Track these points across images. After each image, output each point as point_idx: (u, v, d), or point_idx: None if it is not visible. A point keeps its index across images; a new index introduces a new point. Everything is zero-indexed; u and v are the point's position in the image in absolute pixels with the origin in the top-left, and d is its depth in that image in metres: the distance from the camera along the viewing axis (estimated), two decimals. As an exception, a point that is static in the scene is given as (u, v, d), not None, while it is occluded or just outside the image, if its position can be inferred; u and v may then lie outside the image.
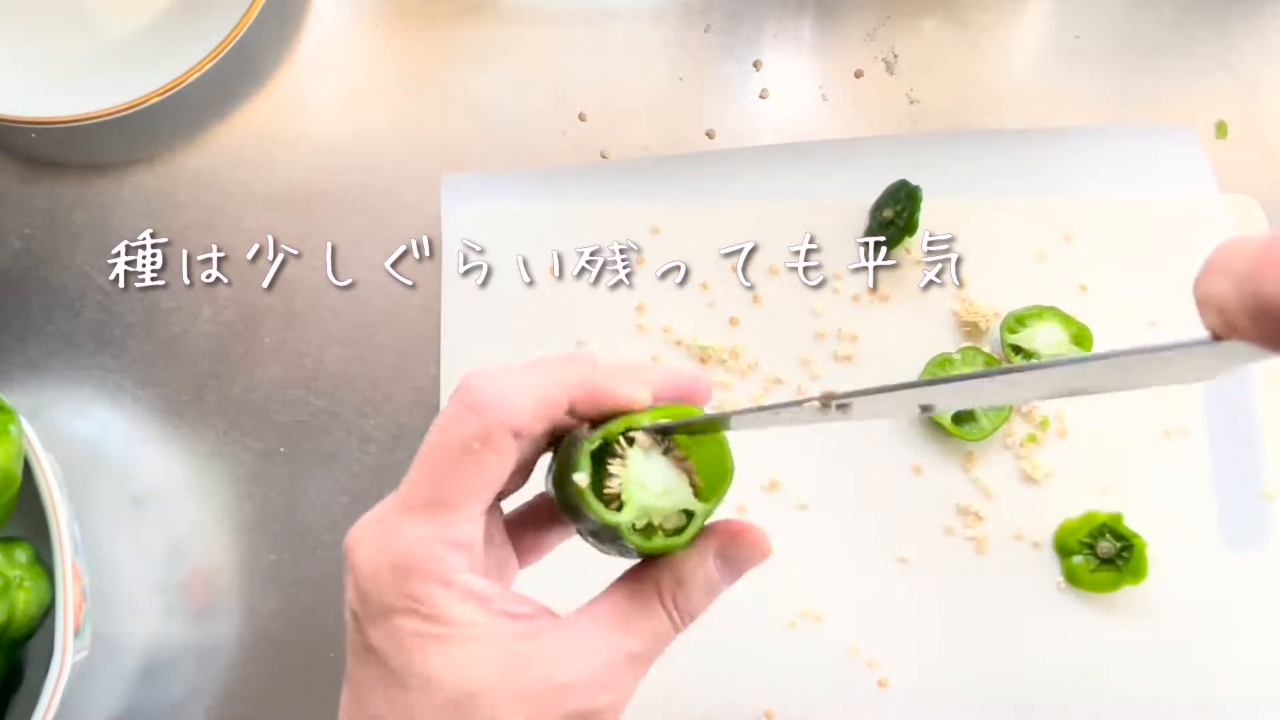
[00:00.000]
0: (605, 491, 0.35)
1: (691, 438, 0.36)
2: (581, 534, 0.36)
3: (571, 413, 0.35)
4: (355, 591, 0.34)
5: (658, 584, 0.36)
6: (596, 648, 0.35)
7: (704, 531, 0.36)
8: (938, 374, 0.59)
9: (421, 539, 0.33)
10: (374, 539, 0.34)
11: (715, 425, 0.36)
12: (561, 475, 0.35)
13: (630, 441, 0.35)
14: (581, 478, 0.34)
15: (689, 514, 0.35)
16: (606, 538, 0.35)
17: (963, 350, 0.60)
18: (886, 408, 0.33)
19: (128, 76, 0.63)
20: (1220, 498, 0.58)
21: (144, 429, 0.62)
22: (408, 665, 0.33)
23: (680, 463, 0.36)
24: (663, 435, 0.35)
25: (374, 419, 0.61)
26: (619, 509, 0.34)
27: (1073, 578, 0.56)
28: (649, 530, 0.35)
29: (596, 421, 0.35)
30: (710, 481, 0.36)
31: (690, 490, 0.36)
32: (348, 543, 0.34)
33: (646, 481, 0.35)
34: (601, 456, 0.35)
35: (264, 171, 0.65)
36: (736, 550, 0.37)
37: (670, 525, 0.35)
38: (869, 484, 0.59)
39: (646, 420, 0.35)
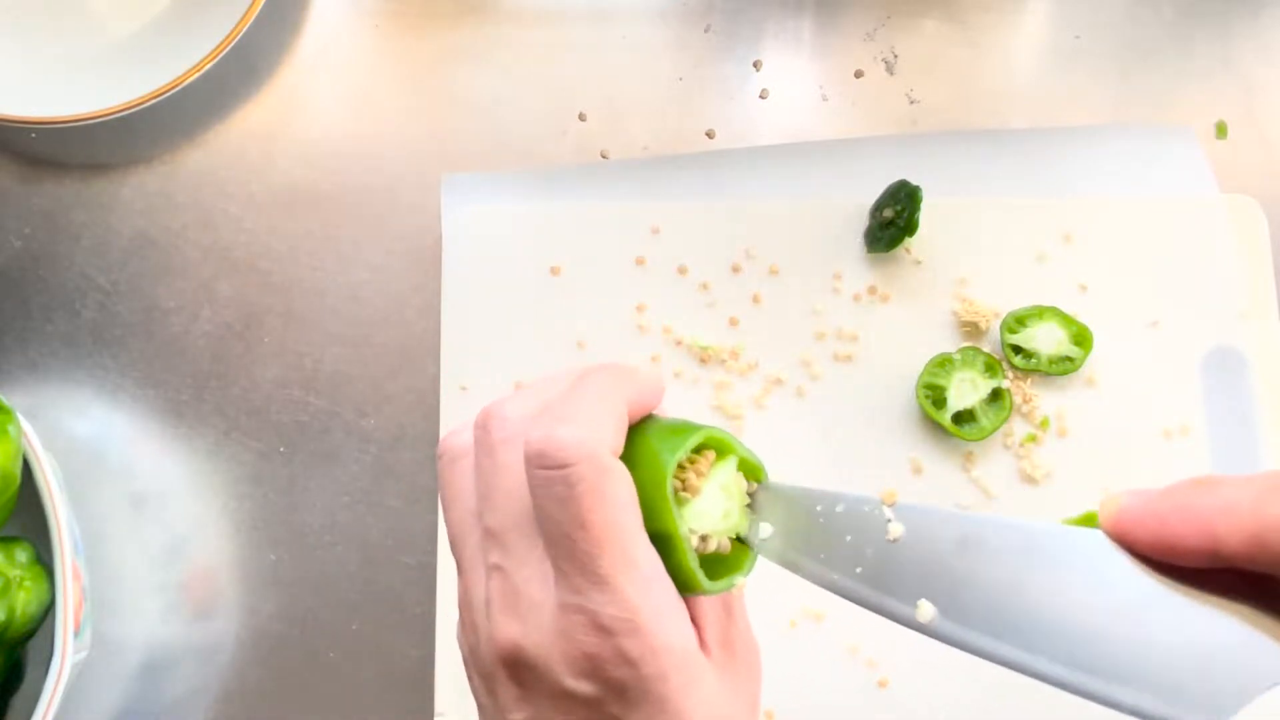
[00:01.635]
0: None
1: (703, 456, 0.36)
2: None
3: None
4: (589, 679, 0.32)
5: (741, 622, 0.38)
6: (753, 672, 0.39)
7: None
8: (938, 374, 0.59)
9: (662, 607, 0.33)
10: (597, 621, 0.33)
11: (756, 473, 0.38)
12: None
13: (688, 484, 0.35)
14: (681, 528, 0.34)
15: (739, 538, 0.36)
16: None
17: (963, 350, 0.60)
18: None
19: (128, 76, 0.63)
20: (1220, 498, 0.58)
21: (144, 429, 0.62)
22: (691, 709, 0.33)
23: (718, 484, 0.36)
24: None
25: (374, 419, 0.61)
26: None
27: None
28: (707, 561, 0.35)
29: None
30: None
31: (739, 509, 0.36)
32: (567, 638, 0.33)
33: (714, 509, 0.35)
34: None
35: (264, 171, 0.65)
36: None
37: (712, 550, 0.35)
38: (869, 483, 0.59)
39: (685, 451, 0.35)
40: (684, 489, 0.34)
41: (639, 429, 0.35)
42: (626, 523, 0.32)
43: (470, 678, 0.36)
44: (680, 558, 0.33)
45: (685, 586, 0.34)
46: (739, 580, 0.36)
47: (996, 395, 0.59)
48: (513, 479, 0.34)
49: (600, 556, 0.32)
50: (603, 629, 0.32)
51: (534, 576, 0.33)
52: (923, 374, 0.59)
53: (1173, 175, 0.63)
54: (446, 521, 0.37)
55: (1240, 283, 0.61)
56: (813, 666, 0.57)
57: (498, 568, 0.34)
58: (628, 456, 0.34)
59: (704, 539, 0.34)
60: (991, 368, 0.59)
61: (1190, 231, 0.62)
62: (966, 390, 0.59)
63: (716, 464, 0.35)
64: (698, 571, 0.34)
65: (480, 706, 0.35)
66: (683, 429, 0.35)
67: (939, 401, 0.59)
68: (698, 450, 0.35)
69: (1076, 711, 0.56)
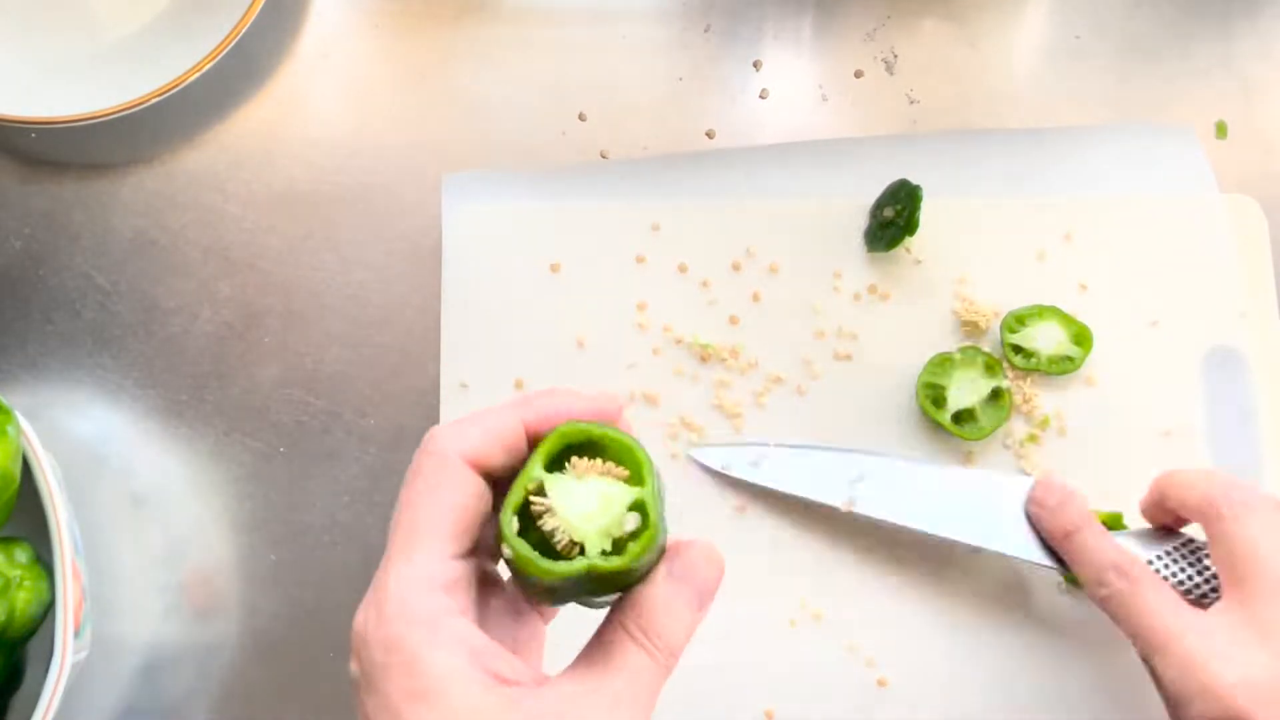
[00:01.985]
0: (559, 546, 0.34)
1: (595, 446, 0.35)
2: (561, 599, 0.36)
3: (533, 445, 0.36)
4: (355, 660, 0.34)
5: (621, 620, 0.35)
6: (577, 708, 0.33)
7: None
8: (938, 373, 0.59)
9: (400, 580, 0.33)
10: (365, 603, 0.34)
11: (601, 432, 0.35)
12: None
13: (541, 492, 0.34)
14: (508, 549, 0.33)
15: (642, 510, 0.34)
16: (576, 590, 0.35)
17: (963, 349, 0.60)
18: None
19: (128, 76, 0.63)
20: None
21: (144, 429, 0.62)
22: None
23: (597, 469, 0.35)
24: (564, 460, 0.35)
25: (374, 419, 0.61)
26: (581, 551, 0.34)
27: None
28: (619, 549, 0.34)
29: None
30: (635, 469, 0.35)
31: (624, 484, 0.35)
32: (355, 620, 0.34)
33: (582, 508, 0.34)
34: (529, 519, 0.34)
35: (264, 171, 0.65)
36: (685, 565, 0.36)
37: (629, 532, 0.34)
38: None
39: (540, 458, 0.35)
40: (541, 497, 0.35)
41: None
42: (431, 519, 0.34)
43: None
44: (517, 560, 0.34)
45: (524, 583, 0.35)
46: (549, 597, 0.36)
47: (996, 395, 0.59)
48: None
49: (393, 540, 0.34)
50: (366, 607, 0.34)
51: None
52: (923, 373, 0.59)
53: (1173, 175, 0.63)
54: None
55: (1240, 283, 0.61)
56: (811, 666, 0.57)
57: None
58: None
59: (557, 540, 0.34)
60: (991, 367, 0.59)
61: (1190, 231, 0.62)
62: (966, 390, 0.59)
63: (591, 470, 0.35)
64: (529, 558, 0.33)
65: None
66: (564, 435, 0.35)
67: (939, 401, 0.59)
68: (590, 455, 0.35)
69: (1077, 712, 0.56)
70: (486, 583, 0.39)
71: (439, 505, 0.34)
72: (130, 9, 0.66)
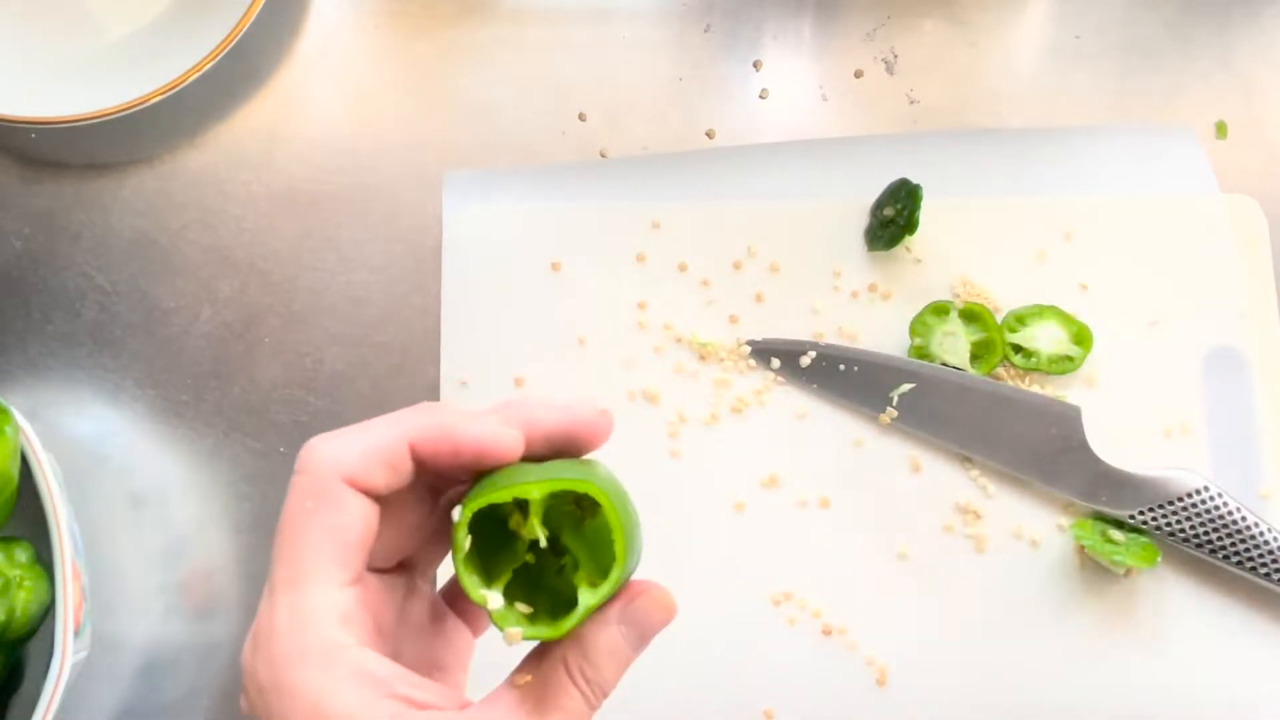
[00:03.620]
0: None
1: (582, 509, 0.33)
2: None
3: (424, 464, 0.33)
4: (245, 700, 0.31)
5: (564, 659, 0.33)
6: None
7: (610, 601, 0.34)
8: (920, 332, 0.60)
9: (289, 616, 0.31)
10: (251, 641, 0.31)
11: (580, 488, 0.32)
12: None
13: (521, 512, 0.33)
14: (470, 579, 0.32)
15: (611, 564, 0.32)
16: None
17: (933, 306, 0.60)
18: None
19: (128, 76, 0.63)
20: (1221, 497, 0.58)
21: (144, 429, 0.62)
22: None
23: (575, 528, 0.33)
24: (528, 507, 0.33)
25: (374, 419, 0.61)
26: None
27: (1091, 541, 0.56)
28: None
29: (478, 476, 0.33)
30: (602, 560, 0.33)
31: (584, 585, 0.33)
32: (243, 657, 0.32)
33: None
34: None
35: (264, 171, 0.65)
36: (639, 612, 0.34)
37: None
38: (868, 481, 0.59)
39: (507, 488, 0.32)
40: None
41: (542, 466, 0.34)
42: (314, 546, 0.32)
43: None
44: (493, 617, 0.32)
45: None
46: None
47: (987, 345, 0.59)
48: None
49: (276, 569, 0.32)
50: (254, 647, 0.32)
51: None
52: (910, 350, 0.60)
53: (1173, 175, 0.63)
54: None
55: (1240, 283, 0.61)
56: (812, 665, 0.57)
57: None
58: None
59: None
60: (973, 316, 0.59)
61: (1190, 231, 0.62)
62: (950, 346, 0.59)
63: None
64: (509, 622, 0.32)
65: None
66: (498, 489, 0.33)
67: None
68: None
69: (1077, 711, 0.56)
70: (406, 593, 0.36)
71: (320, 530, 0.32)
72: (130, 9, 0.66)
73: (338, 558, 0.32)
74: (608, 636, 0.33)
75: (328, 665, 0.30)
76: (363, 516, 0.33)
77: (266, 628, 0.31)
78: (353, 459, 0.32)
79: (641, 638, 0.34)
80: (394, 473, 0.33)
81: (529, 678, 0.33)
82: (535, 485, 0.32)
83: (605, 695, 0.33)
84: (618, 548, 0.32)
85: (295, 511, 0.32)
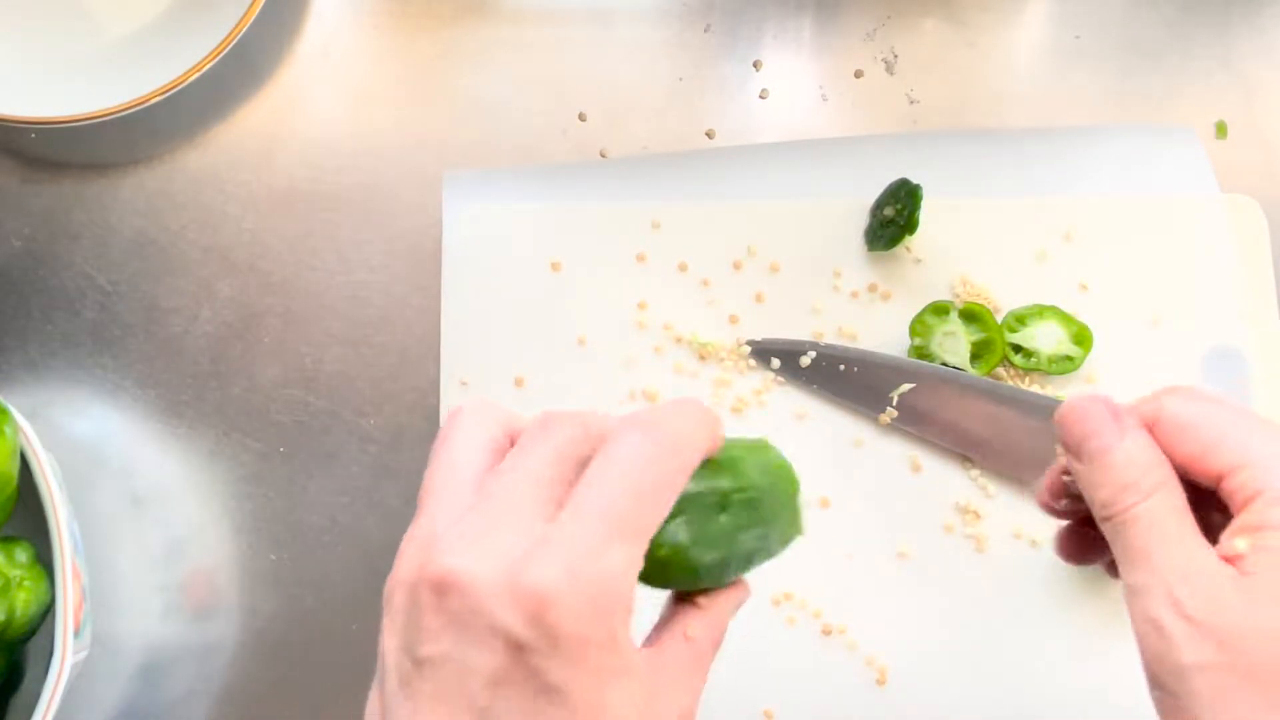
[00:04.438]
0: None
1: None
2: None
3: None
4: (536, 623, 0.31)
5: (684, 624, 0.37)
6: (689, 684, 0.35)
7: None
8: (921, 330, 0.60)
9: (625, 568, 0.32)
10: (567, 566, 0.31)
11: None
12: None
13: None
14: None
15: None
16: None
17: (933, 307, 0.60)
18: None
19: (128, 76, 0.63)
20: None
21: (144, 429, 0.62)
22: (598, 706, 0.31)
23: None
24: None
25: (374, 419, 0.61)
26: None
27: None
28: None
29: None
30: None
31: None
32: (518, 575, 0.31)
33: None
34: None
35: (264, 171, 0.65)
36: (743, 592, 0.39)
37: None
38: (868, 481, 0.59)
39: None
40: None
41: None
42: (665, 505, 0.34)
43: (387, 619, 0.34)
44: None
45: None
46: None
47: (986, 344, 0.59)
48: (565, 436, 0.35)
49: (631, 514, 0.33)
50: (558, 569, 0.31)
51: (512, 518, 0.33)
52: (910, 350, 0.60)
53: (1173, 175, 0.63)
54: (434, 468, 0.36)
55: (1240, 283, 0.61)
56: (812, 665, 0.57)
57: (477, 508, 0.34)
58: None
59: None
60: (972, 315, 0.59)
61: (1190, 231, 0.62)
62: (950, 346, 0.59)
63: None
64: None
65: (383, 653, 0.34)
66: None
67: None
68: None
69: (1076, 710, 0.56)
70: None
71: (674, 491, 0.34)
72: (130, 9, 0.66)
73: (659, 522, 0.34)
74: (726, 610, 0.38)
75: (628, 610, 0.32)
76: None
77: (595, 562, 0.32)
78: (709, 445, 0.36)
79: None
80: None
81: (699, 631, 0.36)
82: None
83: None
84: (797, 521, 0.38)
85: (666, 476, 0.34)
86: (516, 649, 0.31)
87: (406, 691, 0.32)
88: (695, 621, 0.36)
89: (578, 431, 0.35)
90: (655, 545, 0.33)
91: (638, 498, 0.33)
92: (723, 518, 0.36)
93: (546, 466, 0.34)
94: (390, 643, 0.33)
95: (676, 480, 0.34)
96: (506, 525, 0.32)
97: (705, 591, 0.37)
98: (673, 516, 0.34)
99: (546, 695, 0.31)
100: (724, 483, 0.36)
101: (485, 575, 0.31)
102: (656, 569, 0.34)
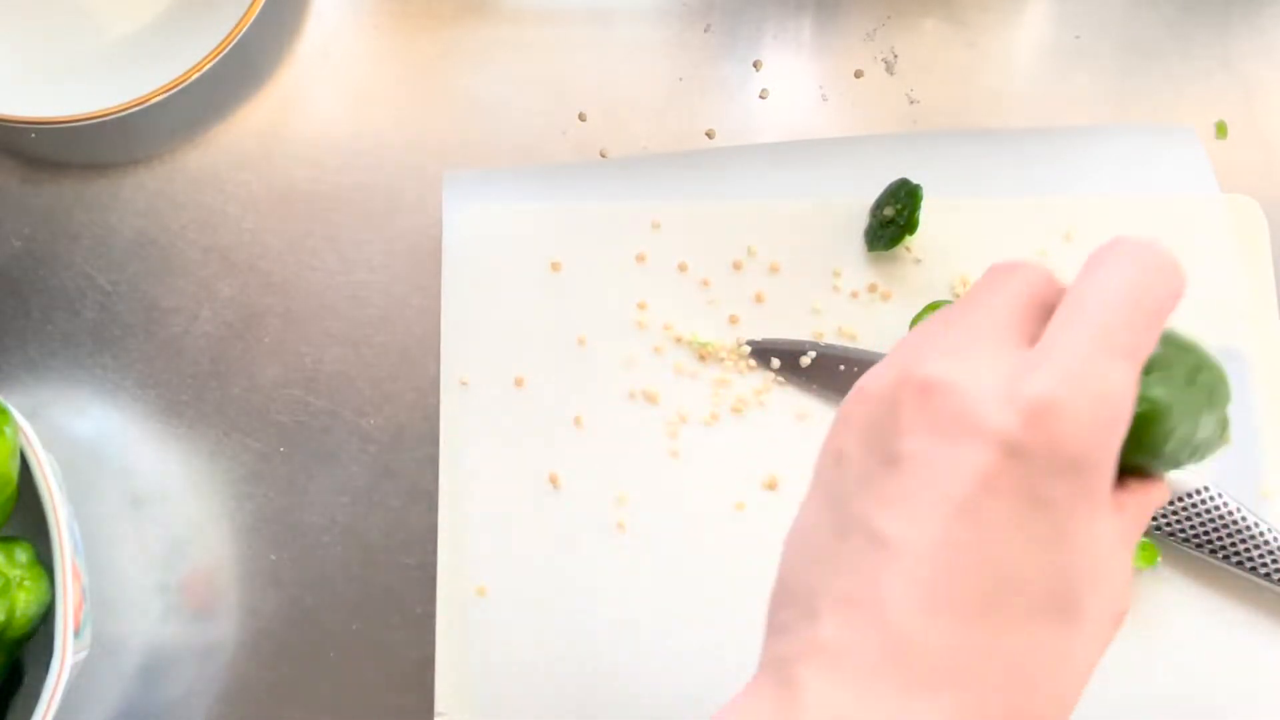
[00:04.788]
0: None
1: None
2: None
3: None
4: (1038, 428, 0.29)
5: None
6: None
7: None
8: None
9: (1126, 387, 0.31)
10: (1069, 375, 0.30)
11: None
12: None
13: None
14: None
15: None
16: None
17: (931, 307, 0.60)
18: None
19: (128, 76, 0.63)
20: (1221, 497, 0.58)
21: (144, 429, 0.62)
22: (1088, 535, 0.30)
23: None
24: None
25: (374, 419, 0.61)
26: None
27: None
28: None
29: None
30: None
31: None
32: (1017, 381, 0.30)
33: None
34: None
35: (264, 171, 0.65)
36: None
37: None
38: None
39: None
40: None
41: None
42: (1156, 322, 0.32)
43: (839, 426, 0.33)
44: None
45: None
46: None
47: None
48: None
49: (1124, 331, 0.31)
50: (1080, 385, 0.30)
51: (994, 338, 0.32)
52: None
53: (1173, 175, 0.63)
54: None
55: (1240, 283, 0.61)
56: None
57: (956, 325, 0.33)
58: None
59: None
60: None
61: (1190, 231, 0.62)
62: None
63: None
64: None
65: (829, 457, 0.33)
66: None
67: None
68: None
69: (1076, 710, 0.56)
70: None
71: (1164, 317, 0.33)
72: (130, 9, 0.66)
73: None
74: (1157, 501, 0.36)
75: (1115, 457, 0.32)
76: None
77: (1104, 384, 0.31)
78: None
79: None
80: None
81: (1133, 508, 0.34)
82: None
83: None
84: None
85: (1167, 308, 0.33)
86: (1013, 453, 0.29)
87: (872, 490, 0.31)
88: (1130, 498, 0.33)
89: (1042, 275, 0.34)
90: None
91: (1132, 313, 0.31)
92: (1192, 391, 0.34)
93: (1018, 298, 0.33)
94: (848, 442, 0.32)
95: (1166, 305, 0.32)
96: (989, 344, 0.31)
97: (1149, 475, 0.34)
98: (1147, 371, 0.32)
99: (1039, 507, 0.29)
100: (1191, 357, 0.34)
101: (980, 380, 0.30)
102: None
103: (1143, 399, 0.32)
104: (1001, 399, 0.30)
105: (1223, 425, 0.36)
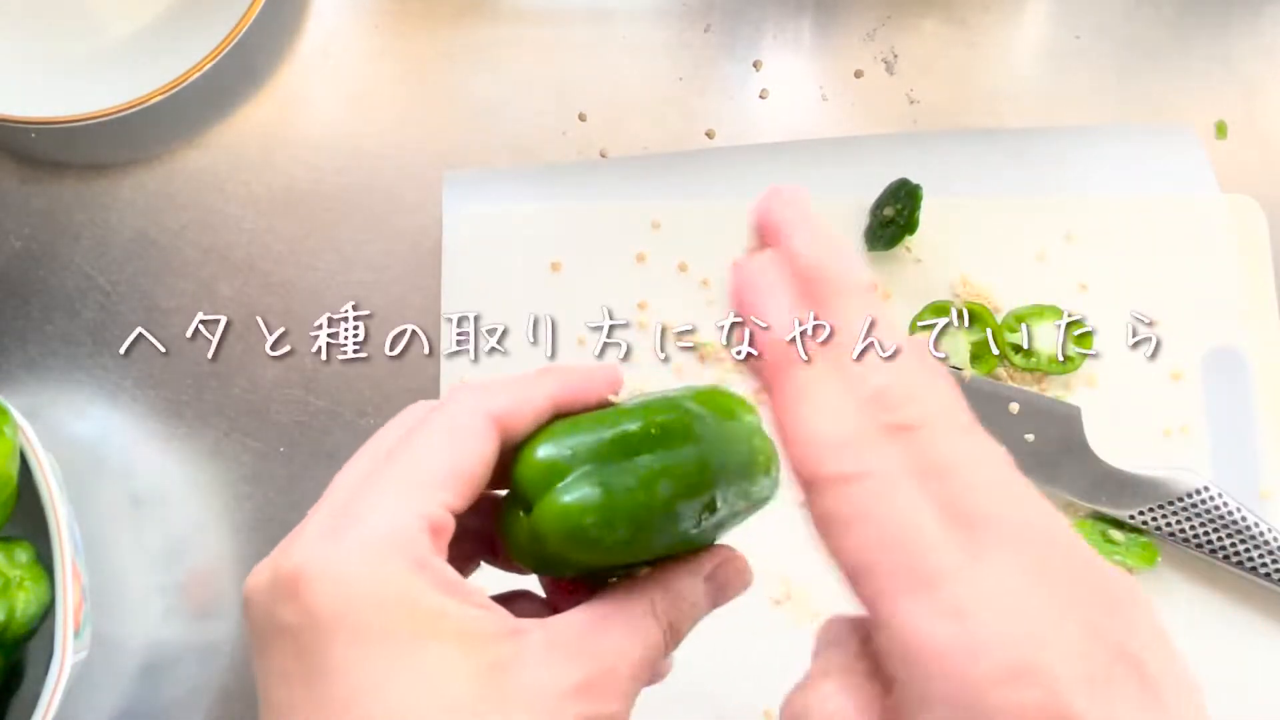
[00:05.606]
0: None
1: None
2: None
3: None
4: (286, 603, 0.29)
5: (649, 596, 0.34)
6: (600, 650, 0.31)
7: (698, 552, 0.35)
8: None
9: (390, 516, 0.30)
10: (318, 538, 0.30)
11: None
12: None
13: None
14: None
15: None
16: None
17: (932, 307, 0.60)
18: None
19: (128, 76, 0.63)
20: (1220, 497, 0.58)
21: (144, 429, 0.62)
22: (378, 683, 0.28)
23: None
24: None
25: (374, 419, 0.61)
26: None
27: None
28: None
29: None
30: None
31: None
32: (285, 561, 0.30)
33: None
34: None
35: (264, 171, 0.65)
36: (725, 573, 0.36)
37: None
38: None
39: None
40: None
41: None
42: (448, 465, 0.32)
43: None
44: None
45: None
46: None
47: (983, 345, 0.59)
48: None
49: (381, 479, 0.32)
50: (324, 545, 0.30)
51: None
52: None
53: (1173, 175, 0.63)
54: None
55: (1240, 283, 0.61)
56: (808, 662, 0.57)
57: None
58: None
59: None
60: (972, 316, 0.59)
61: (1190, 231, 0.62)
62: (951, 346, 0.59)
63: None
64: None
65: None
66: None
67: None
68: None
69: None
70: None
71: (461, 453, 0.31)
72: (130, 9, 0.66)
73: (466, 483, 0.32)
74: (695, 586, 0.35)
75: (421, 567, 0.30)
76: (493, 457, 0.32)
77: (353, 523, 0.30)
78: (505, 405, 0.33)
79: (719, 600, 0.36)
80: (536, 425, 0.33)
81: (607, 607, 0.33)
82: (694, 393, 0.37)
83: (677, 642, 0.35)
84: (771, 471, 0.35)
85: (439, 431, 0.32)
86: (289, 635, 0.29)
87: None
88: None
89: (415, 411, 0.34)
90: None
91: (411, 453, 0.32)
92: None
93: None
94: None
95: (469, 437, 0.32)
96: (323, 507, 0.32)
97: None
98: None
99: (321, 678, 0.29)
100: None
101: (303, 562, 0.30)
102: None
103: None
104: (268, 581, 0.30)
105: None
